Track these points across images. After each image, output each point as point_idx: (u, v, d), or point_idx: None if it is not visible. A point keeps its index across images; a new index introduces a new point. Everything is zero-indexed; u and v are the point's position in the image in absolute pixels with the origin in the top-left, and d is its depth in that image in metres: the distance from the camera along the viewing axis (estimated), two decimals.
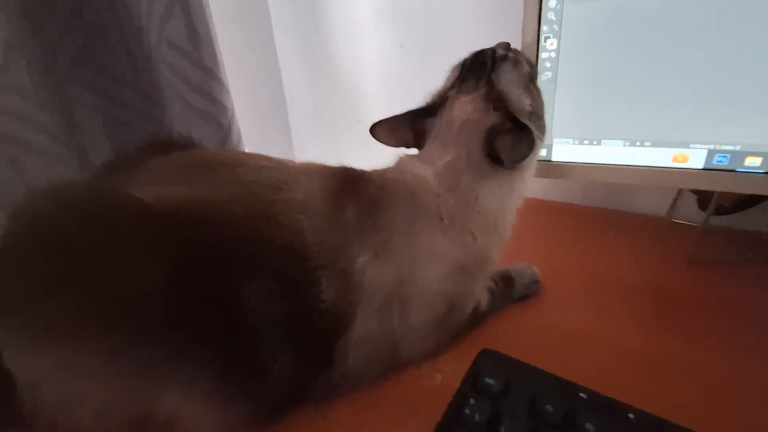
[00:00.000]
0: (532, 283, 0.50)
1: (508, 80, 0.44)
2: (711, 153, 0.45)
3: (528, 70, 0.45)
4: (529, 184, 0.47)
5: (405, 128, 0.47)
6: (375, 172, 0.44)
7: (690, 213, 0.65)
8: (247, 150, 1.01)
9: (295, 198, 0.36)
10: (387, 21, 0.90)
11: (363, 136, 0.49)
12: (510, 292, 0.49)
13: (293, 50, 1.11)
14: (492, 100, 0.42)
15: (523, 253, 0.54)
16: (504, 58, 0.45)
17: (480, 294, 0.45)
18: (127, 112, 0.66)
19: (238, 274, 0.32)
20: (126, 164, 0.44)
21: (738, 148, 0.43)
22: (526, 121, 0.41)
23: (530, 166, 0.45)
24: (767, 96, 0.40)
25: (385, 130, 0.48)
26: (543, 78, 0.49)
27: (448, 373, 0.41)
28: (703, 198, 0.60)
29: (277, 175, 0.38)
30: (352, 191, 0.39)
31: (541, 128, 0.44)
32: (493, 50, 0.45)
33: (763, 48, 0.39)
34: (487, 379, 0.33)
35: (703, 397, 0.37)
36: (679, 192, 0.65)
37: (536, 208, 0.76)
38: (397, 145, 0.49)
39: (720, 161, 0.45)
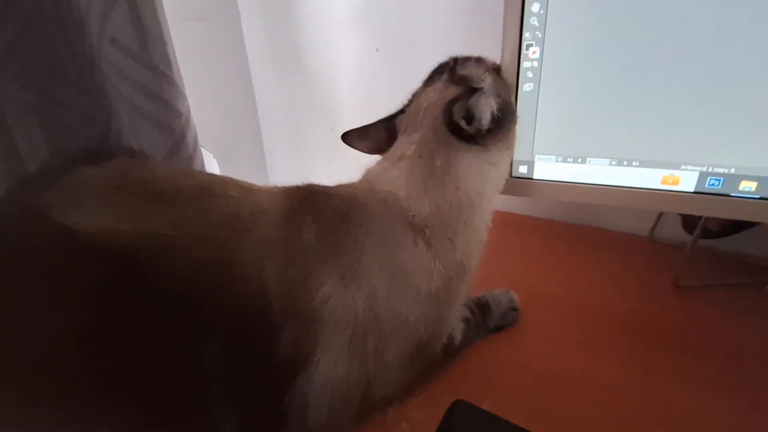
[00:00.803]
0: (509, 311, 0.46)
1: (471, 68, 0.44)
2: (703, 176, 0.41)
3: (492, 63, 0.45)
4: (504, 174, 0.44)
5: (378, 132, 0.46)
6: (341, 186, 0.39)
7: (674, 232, 0.62)
8: (206, 159, 0.94)
9: (259, 238, 0.31)
10: (362, 23, 0.86)
11: (337, 143, 0.47)
12: (486, 321, 0.45)
13: (264, 52, 1.05)
14: (454, 81, 0.42)
15: (499, 273, 0.50)
16: (467, 58, 0.45)
17: (454, 324, 0.40)
18: (68, 113, 0.58)
19: (185, 331, 0.27)
20: (52, 175, 0.37)
21: (732, 171, 0.40)
22: (483, 85, 0.40)
23: (502, 149, 0.42)
24: (765, 116, 0.37)
25: (357, 138, 0.47)
26: (524, 89, 0.44)
27: (415, 422, 0.36)
28: (689, 219, 0.57)
29: (244, 210, 0.32)
30: (311, 208, 0.34)
31: (508, 111, 0.42)
32: (457, 56, 0.46)
33: (761, 64, 0.36)
34: None
35: None
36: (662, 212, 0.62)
37: (514, 223, 0.73)
38: (370, 151, 0.47)
39: (712, 185, 0.41)
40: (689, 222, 0.56)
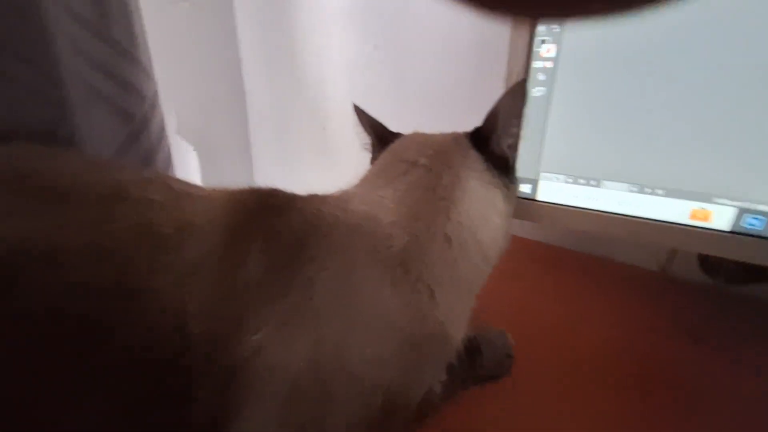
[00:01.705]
0: (504, 358, 0.38)
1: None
2: (741, 212, 0.34)
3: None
4: (508, 232, 0.36)
5: (379, 132, 0.40)
6: (309, 199, 0.30)
7: (688, 268, 0.55)
8: (183, 152, 0.87)
9: (185, 262, 0.23)
10: (359, 19, 0.79)
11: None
12: (474, 368, 0.37)
13: (257, 42, 0.99)
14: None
15: (494, 301, 0.43)
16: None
17: (435, 376, 0.33)
18: (17, 88, 0.51)
19: (60, 374, 0.20)
20: None
21: None
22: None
23: (513, 195, 0.36)
24: None
25: (366, 119, 0.41)
26: (534, 93, 0.37)
27: None
28: (708, 258, 0.50)
29: (168, 221, 0.25)
30: (263, 228, 0.26)
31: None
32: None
33: None
34: None
35: None
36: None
37: (513, 245, 0.65)
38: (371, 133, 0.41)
39: (752, 225, 0.34)
40: (708, 261, 0.49)
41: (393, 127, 0.39)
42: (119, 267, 0.22)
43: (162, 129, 0.61)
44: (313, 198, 0.31)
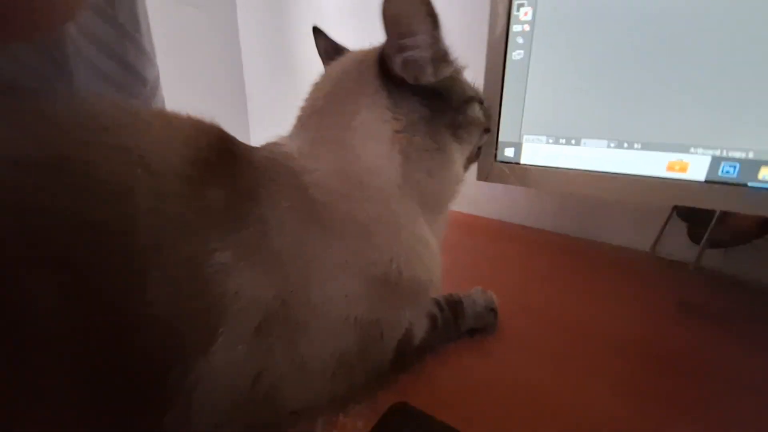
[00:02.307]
0: (486, 312, 0.39)
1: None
2: (716, 161, 0.35)
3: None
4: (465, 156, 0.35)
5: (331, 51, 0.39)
6: (260, 148, 0.31)
7: (678, 248, 0.56)
8: None
9: (129, 143, 0.24)
10: (355, 19, 0.83)
11: None
12: (457, 321, 0.37)
13: (258, 45, 1.03)
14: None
15: (483, 283, 0.43)
16: None
17: (413, 322, 0.33)
18: (23, 65, 0.53)
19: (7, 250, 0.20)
20: None
21: (750, 155, 0.34)
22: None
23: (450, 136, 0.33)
24: None
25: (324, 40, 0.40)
26: (513, 57, 0.39)
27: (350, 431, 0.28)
28: (695, 228, 0.50)
29: (109, 112, 0.25)
30: (224, 164, 0.27)
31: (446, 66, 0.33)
32: None
33: None
34: None
35: None
36: (666, 221, 0.56)
37: (501, 231, 0.66)
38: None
39: (727, 172, 0.35)
40: (696, 231, 0.50)
41: None
42: (48, 142, 0.23)
43: None
44: (262, 147, 0.32)
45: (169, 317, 0.22)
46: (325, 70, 0.36)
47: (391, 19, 0.28)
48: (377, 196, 0.30)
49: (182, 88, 0.82)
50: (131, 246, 0.22)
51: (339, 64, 0.34)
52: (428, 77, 0.31)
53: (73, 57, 0.55)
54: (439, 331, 0.36)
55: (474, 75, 0.36)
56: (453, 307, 0.38)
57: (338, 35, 0.88)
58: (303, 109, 0.34)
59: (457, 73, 0.33)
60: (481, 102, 0.34)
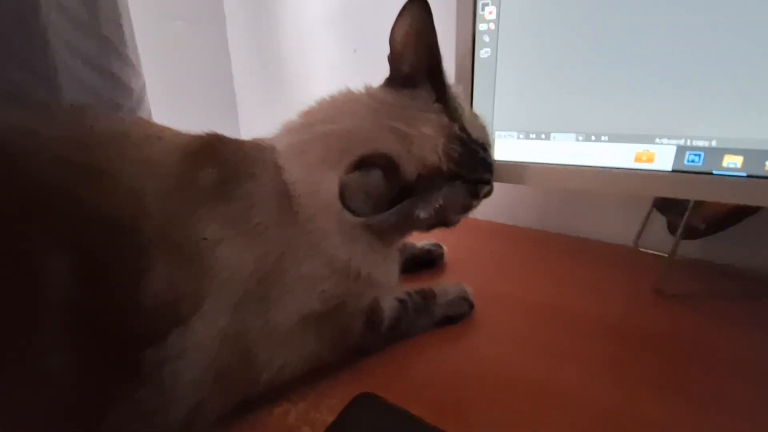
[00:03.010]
0: (458, 300, 0.39)
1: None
2: (681, 150, 0.36)
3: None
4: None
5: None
6: (250, 140, 0.35)
7: (660, 241, 0.56)
8: None
9: (146, 158, 0.28)
10: (339, 24, 0.84)
11: None
12: (429, 308, 0.38)
13: (247, 56, 1.04)
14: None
15: (465, 278, 0.44)
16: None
17: (382, 302, 0.35)
18: (11, 81, 0.55)
19: (27, 231, 0.23)
20: None
21: (713, 143, 0.34)
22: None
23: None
24: (750, 77, 0.32)
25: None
26: (481, 55, 0.40)
27: (320, 428, 0.29)
28: (674, 220, 0.51)
29: (134, 131, 0.30)
30: (214, 155, 0.31)
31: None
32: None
33: (744, 19, 0.31)
34: None
35: None
36: (647, 216, 0.57)
37: (485, 230, 0.67)
38: None
39: (692, 161, 0.36)
40: (674, 223, 0.50)
41: None
42: (88, 149, 0.26)
43: None
44: (251, 140, 0.35)
45: (167, 293, 0.25)
46: (351, 95, 0.35)
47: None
48: (336, 225, 0.31)
49: (173, 101, 0.83)
50: (141, 239, 0.25)
51: (340, 123, 0.33)
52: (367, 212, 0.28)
53: (60, 71, 0.57)
54: (410, 314, 0.36)
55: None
56: (423, 293, 0.38)
57: (322, 42, 0.90)
58: (306, 115, 0.35)
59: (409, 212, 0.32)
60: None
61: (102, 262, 0.24)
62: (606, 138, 0.38)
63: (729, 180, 0.34)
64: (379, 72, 0.80)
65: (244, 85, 1.07)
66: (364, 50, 0.82)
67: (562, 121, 0.39)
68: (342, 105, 0.35)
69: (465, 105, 0.35)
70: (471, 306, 0.40)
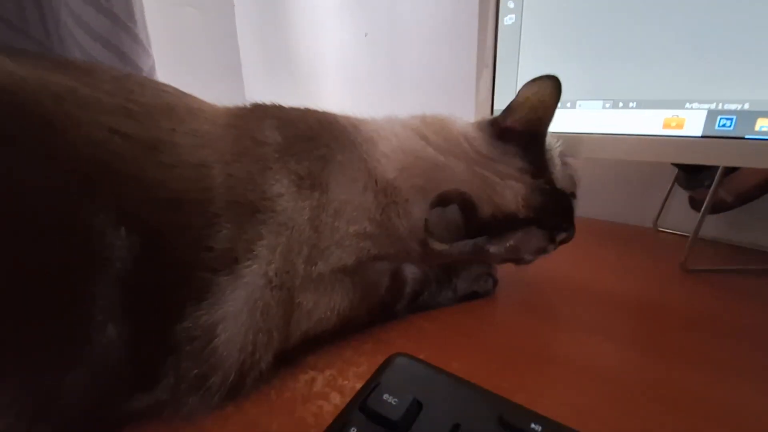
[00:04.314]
0: (482, 276, 0.38)
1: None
2: (712, 115, 0.35)
3: None
4: None
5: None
6: (313, 110, 0.35)
7: (680, 221, 0.55)
8: None
9: (199, 128, 0.27)
10: (350, 7, 0.83)
11: None
12: (452, 281, 0.37)
13: (255, 44, 1.04)
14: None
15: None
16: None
17: (404, 267, 0.35)
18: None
19: (83, 202, 0.21)
20: None
21: (746, 107, 0.34)
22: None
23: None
24: None
25: None
26: (505, 22, 0.39)
27: (348, 394, 0.28)
28: (697, 195, 0.50)
29: (179, 102, 0.29)
30: (274, 115, 0.31)
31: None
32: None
33: None
34: (386, 396, 0.20)
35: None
36: (668, 194, 0.56)
37: None
38: None
39: (723, 126, 0.35)
40: (697, 198, 0.49)
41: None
42: (140, 122, 0.25)
43: None
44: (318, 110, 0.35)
45: (227, 246, 0.24)
46: (455, 130, 0.35)
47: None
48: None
49: (181, 87, 0.82)
50: (210, 209, 0.24)
51: (458, 149, 0.34)
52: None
53: (72, 48, 0.56)
54: (432, 284, 0.36)
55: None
56: (446, 269, 0.38)
57: (332, 27, 0.89)
58: (414, 128, 0.35)
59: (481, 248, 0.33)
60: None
61: (168, 239, 0.23)
62: (634, 104, 0.37)
63: (762, 144, 0.33)
64: (390, 57, 0.79)
65: (253, 72, 1.06)
66: (376, 34, 0.81)
67: (587, 89, 0.38)
68: (447, 138, 0.35)
69: (557, 160, 0.36)
70: (495, 282, 0.39)
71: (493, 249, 0.33)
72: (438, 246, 0.31)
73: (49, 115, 0.22)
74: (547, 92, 0.33)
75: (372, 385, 0.21)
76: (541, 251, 0.36)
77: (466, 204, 0.31)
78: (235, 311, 0.24)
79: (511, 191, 0.32)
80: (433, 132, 0.34)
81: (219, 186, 0.25)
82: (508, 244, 0.33)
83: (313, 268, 0.28)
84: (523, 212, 0.32)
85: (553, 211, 0.34)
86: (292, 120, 0.31)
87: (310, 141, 0.30)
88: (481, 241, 0.32)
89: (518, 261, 0.37)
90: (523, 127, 0.34)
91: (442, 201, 0.30)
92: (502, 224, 0.32)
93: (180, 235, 0.23)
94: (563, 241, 0.37)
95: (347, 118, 0.34)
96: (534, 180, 0.33)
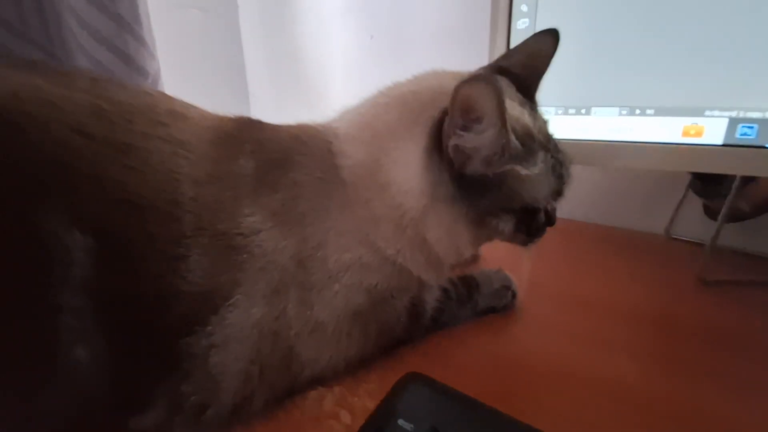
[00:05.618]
0: (502, 289, 0.37)
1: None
2: (733, 123, 0.34)
3: None
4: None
5: None
6: (286, 125, 0.33)
7: (692, 228, 0.54)
8: None
9: (177, 136, 0.26)
10: (356, 9, 0.82)
11: None
12: (472, 298, 0.36)
13: (259, 46, 1.03)
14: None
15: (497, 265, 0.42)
16: None
17: (422, 293, 0.33)
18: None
19: (39, 204, 0.20)
20: None
21: None
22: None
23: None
24: None
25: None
26: (518, 26, 0.38)
27: (359, 413, 0.27)
28: (712, 204, 0.48)
29: (163, 110, 0.27)
30: (250, 140, 0.29)
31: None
32: None
33: None
34: (401, 422, 0.19)
35: None
36: (681, 202, 0.54)
37: None
38: None
39: (744, 134, 0.34)
40: (713, 207, 0.48)
41: None
42: (112, 123, 0.24)
43: None
44: (294, 124, 0.33)
45: (200, 284, 0.23)
46: (415, 78, 0.34)
47: (462, 102, 0.25)
48: (396, 212, 0.29)
49: (185, 89, 0.82)
50: (178, 227, 0.23)
51: (421, 84, 0.32)
52: (475, 169, 0.28)
53: (75, 52, 0.56)
54: (452, 303, 0.35)
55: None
56: (466, 282, 0.37)
57: (339, 31, 0.88)
58: (364, 102, 0.33)
59: (514, 176, 0.29)
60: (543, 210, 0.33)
61: (129, 245, 0.22)
62: (651, 111, 0.36)
63: None
64: (397, 59, 0.78)
65: (257, 74, 1.05)
66: (382, 37, 0.80)
67: (603, 95, 0.37)
68: (424, 75, 0.33)
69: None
70: (514, 295, 0.38)
71: (524, 172, 0.28)
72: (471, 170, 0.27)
73: (6, 113, 0.21)
74: (546, 42, 0.33)
75: (387, 410, 0.20)
76: (559, 195, 0.34)
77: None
78: (231, 351, 0.24)
79: (519, 111, 0.30)
80: (402, 85, 0.33)
81: (188, 203, 0.24)
82: (536, 171, 0.29)
83: (309, 313, 0.27)
84: (537, 133, 0.30)
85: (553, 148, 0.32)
86: (264, 141, 0.29)
87: (281, 167, 0.28)
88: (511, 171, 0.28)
89: (535, 213, 0.32)
90: (518, 71, 0.33)
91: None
92: (527, 143, 0.28)
93: (146, 245, 0.22)
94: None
95: (327, 126, 0.32)
96: (533, 111, 0.32)
